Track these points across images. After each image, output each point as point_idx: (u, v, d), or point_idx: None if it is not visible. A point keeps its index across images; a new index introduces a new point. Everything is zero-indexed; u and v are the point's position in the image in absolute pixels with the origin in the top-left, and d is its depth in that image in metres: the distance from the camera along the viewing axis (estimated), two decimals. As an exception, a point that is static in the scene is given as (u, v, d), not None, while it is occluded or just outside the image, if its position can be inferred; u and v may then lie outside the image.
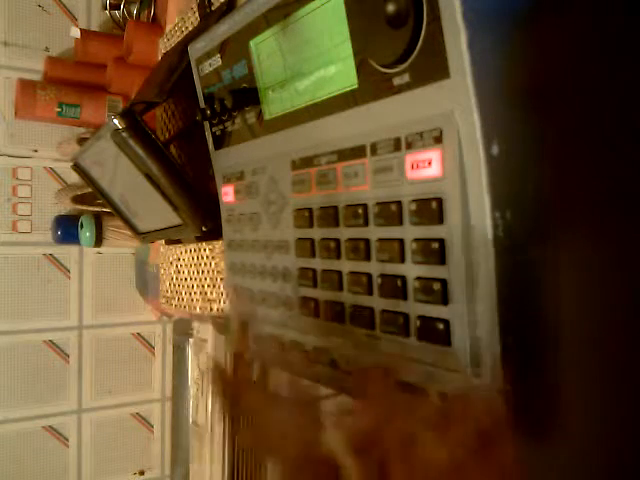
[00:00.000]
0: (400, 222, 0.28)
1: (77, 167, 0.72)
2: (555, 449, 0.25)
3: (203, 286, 0.71)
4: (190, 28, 0.74)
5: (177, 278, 0.79)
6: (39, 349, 1.15)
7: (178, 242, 0.69)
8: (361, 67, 0.29)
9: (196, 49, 0.44)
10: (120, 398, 1.24)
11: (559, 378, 0.25)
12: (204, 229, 0.56)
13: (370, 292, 0.31)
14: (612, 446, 0.28)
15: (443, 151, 0.26)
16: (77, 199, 1.05)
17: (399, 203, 0.28)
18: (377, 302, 0.30)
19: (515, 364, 0.24)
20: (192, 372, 1.10)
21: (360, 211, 0.31)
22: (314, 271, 0.35)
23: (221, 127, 0.44)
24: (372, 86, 0.29)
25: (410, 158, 0.27)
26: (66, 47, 1.10)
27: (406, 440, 0.24)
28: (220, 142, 0.45)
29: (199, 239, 0.59)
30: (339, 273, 0.33)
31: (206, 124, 0.46)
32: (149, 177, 0.55)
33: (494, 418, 0.23)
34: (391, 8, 0.26)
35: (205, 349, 1.03)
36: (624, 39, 0.28)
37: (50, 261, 1.15)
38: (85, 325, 1.19)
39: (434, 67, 0.25)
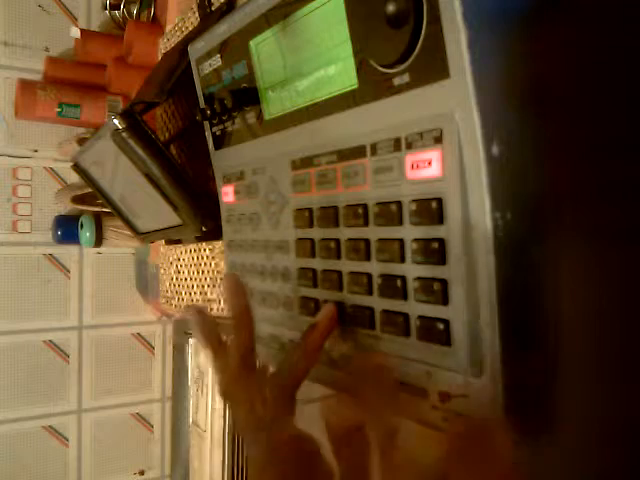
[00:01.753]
0: (400, 222, 0.28)
1: (77, 167, 0.72)
2: (555, 449, 0.25)
3: (203, 286, 0.71)
4: (190, 28, 0.74)
5: (177, 278, 0.79)
6: (39, 349, 1.15)
7: (178, 242, 0.69)
8: (361, 67, 0.29)
9: (196, 49, 0.44)
10: (120, 398, 1.24)
11: (559, 378, 0.25)
12: (204, 229, 0.56)
13: (370, 292, 0.31)
14: (613, 446, 0.28)
15: (443, 151, 0.26)
16: (77, 199, 1.05)
17: (399, 203, 0.28)
18: (377, 302, 0.30)
19: (515, 364, 0.24)
20: (192, 372, 1.10)
21: (360, 211, 0.31)
22: (314, 271, 0.35)
23: (221, 127, 0.44)
24: (372, 86, 0.29)
25: (410, 158, 0.27)
26: (66, 47, 1.11)
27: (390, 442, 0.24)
28: (220, 142, 0.45)
29: (199, 239, 0.59)
30: (339, 273, 0.33)
31: (206, 124, 0.46)
32: (149, 177, 0.55)
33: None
34: (391, 8, 0.26)
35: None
36: (624, 39, 0.28)
37: (50, 261, 1.15)
38: (85, 325, 1.19)
39: (434, 67, 0.25)
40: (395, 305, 0.29)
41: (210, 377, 1.00)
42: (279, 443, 0.30)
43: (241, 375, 0.32)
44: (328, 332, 0.33)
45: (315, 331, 0.33)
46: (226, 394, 0.33)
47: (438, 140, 0.26)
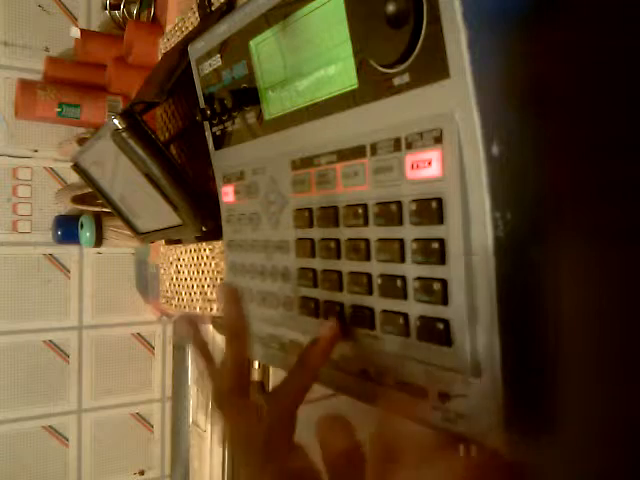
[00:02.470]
0: (400, 222, 0.28)
1: (77, 167, 0.72)
2: (555, 449, 0.25)
3: (203, 286, 0.71)
4: (190, 28, 0.74)
5: (177, 278, 0.79)
6: (39, 349, 1.15)
7: (178, 242, 0.69)
8: (361, 67, 0.29)
9: (196, 49, 0.44)
10: (120, 398, 1.24)
11: (559, 378, 0.25)
12: (204, 229, 0.56)
13: (370, 292, 0.31)
14: (613, 446, 0.28)
15: (443, 151, 0.26)
16: (77, 199, 1.05)
17: (399, 203, 0.28)
18: (377, 302, 0.30)
19: (515, 364, 0.24)
20: (192, 372, 1.10)
21: (360, 211, 0.31)
22: (314, 271, 0.35)
23: (221, 127, 0.44)
24: (372, 86, 0.29)
25: (410, 158, 0.27)
26: (66, 47, 1.10)
27: None
28: (220, 142, 0.45)
29: (199, 239, 0.59)
30: (339, 273, 0.33)
31: (206, 124, 0.46)
32: (149, 177, 0.55)
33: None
34: (391, 8, 0.26)
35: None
36: (624, 39, 0.28)
37: (50, 261, 1.15)
38: (85, 325, 1.19)
39: (434, 67, 0.25)
40: (395, 305, 0.29)
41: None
42: (274, 471, 0.29)
43: (234, 389, 0.31)
44: (329, 349, 0.32)
45: (316, 348, 0.32)
46: (220, 407, 0.32)
47: (438, 140, 0.26)
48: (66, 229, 1.10)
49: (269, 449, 0.29)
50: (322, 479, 0.28)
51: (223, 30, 0.40)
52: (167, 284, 0.83)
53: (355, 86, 0.30)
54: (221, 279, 0.66)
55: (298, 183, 0.36)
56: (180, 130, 0.69)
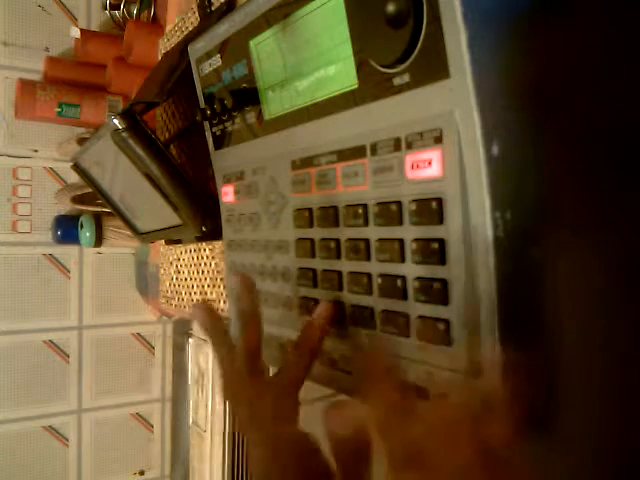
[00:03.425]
0: (400, 222, 0.28)
1: (77, 167, 0.72)
2: (555, 448, 0.25)
3: (203, 286, 0.71)
4: (190, 28, 0.74)
5: (177, 278, 0.79)
6: (39, 349, 1.15)
7: (178, 242, 0.69)
8: (361, 67, 0.29)
9: (196, 49, 0.44)
10: (120, 398, 1.24)
11: (559, 378, 0.25)
12: (204, 229, 0.56)
13: (370, 292, 0.31)
14: (613, 447, 0.28)
15: (443, 151, 0.26)
16: (77, 199, 1.05)
17: (399, 203, 0.28)
18: (377, 302, 0.30)
19: (515, 364, 0.24)
20: (192, 372, 1.10)
21: (360, 211, 0.31)
22: (314, 271, 0.35)
23: (221, 127, 0.44)
24: (372, 86, 0.29)
25: (410, 158, 0.27)
26: (66, 47, 1.11)
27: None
28: (220, 142, 0.45)
29: (199, 239, 0.59)
30: (339, 273, 0.33)
31: (206, 124, 0.46)
32: (149, 177, 0.55)
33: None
34: (391, 8, 0.26)
35: (205, 349, 1.03)
36: (624, 39, 0.28)
37: (50, 261, 1.15)
38: (85, 325, 1.19)
39: (434, 67, 0.25)
40: (395, 305, 0.29)
41: (210, 377, 1.00)
42: (280, 442, 0.30)
43: (245, 375, 0.32)
44: (325, 329, 0.33)
45: (312, 328, 0.33)
46: (228, 393, 0.34)
47: (438, 140, 0.26)
48: (66, 229, 1.10)
49: (276, 417, 0.31)
50: (322, 456, 0.30)
51: (223, 30, 0.40)
52: (167, 284, 0.83)
53: (355, 86, 0.30)
54: (221, 279, 0.66)
55: (298, 183, 0.36)
56: (180, 130, 0.69)
